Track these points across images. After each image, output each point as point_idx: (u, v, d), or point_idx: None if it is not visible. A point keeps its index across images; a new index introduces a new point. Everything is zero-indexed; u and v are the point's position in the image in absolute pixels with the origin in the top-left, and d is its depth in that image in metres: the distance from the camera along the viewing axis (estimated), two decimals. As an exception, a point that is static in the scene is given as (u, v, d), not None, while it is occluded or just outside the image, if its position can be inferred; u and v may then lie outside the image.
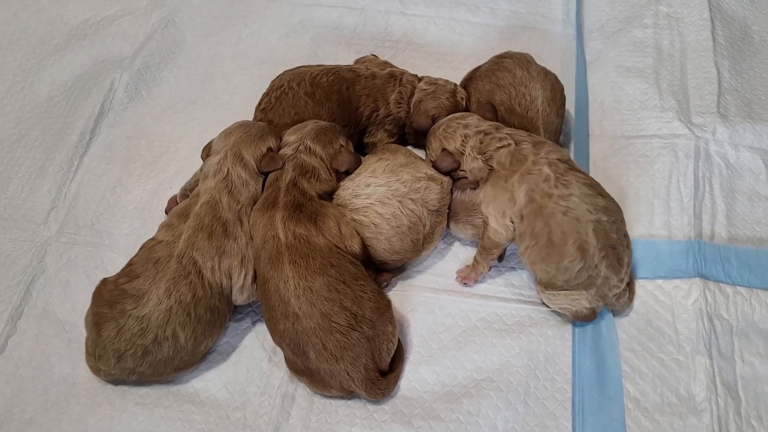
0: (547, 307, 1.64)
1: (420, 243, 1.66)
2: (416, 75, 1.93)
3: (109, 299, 1.50)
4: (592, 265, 1.52)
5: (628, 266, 1.59)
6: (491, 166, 1.62)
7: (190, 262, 1.51)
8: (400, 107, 1.87)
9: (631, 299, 1.64)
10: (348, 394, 1.53)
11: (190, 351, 1.51)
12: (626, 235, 1.59)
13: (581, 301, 1.57)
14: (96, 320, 1.50)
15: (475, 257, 1.69)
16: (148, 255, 1.53)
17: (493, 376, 1.57)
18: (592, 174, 1.83)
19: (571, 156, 1.89)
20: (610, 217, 1.54)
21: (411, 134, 1.93)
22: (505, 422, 1.51)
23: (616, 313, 1.65)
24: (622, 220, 1.59)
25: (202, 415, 1.53)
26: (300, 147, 1.65)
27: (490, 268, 1.70)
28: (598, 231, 1.51)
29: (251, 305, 1.67)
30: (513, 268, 1.73)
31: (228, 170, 1.60)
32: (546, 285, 1.59)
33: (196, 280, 1.50)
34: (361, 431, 1.50)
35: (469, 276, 1.70)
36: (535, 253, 1.55)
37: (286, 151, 1.65)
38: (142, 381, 1.54)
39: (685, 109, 1.98)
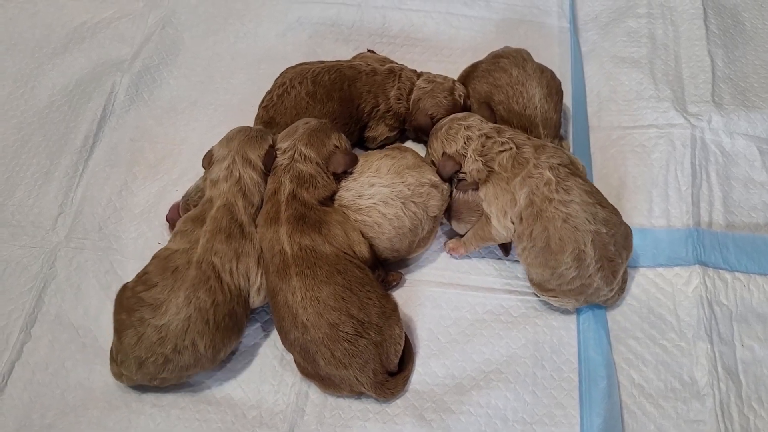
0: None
1: (415, 244, 1.69)
2: (415, 71, 1.95)
3: (127, 307, 1.51)
4: (586, 275, 1.55)
5: (620, 277, 1.61)
6: (491, 168, 1.64)
7: (209, 267, 1.52)
8: (399, 103, 1.90)
9: (619, 295, 1.66)
10: (358, 395, 1.56)
11: (209, 358, 1.53)
12: (624, 248, 1.60)
13: (568, 306, 1.63)
14: (117, 327, 1.52)
15: (469, 238, 1.72)
16: (165, 264, 1.53)
17: (501, 367, 1.61)
18: (591, 164, 1.87)
19: (571, 148, 1.92)
20: (610, 229, 1.55)
21: (411, 131, 1.95)
22: (514, 412, 1.55)
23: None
24: (621, 234, 1.59)
25: (219, 414, 1.56)
26: (295, 155, 1.63)
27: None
28: (596, 242, 1.53)
29: (261, 306, 1.70)
30: (517, 261, 1.76)
31: (239, 173, 1.61)
32: (537, 285, 1.63)
33: (215, 285, 1.51)
34: (375, 426, 1.54)
35: (458, 249, 1.75)
36: (532, 255, 1.58)
37: (281, 160, 1.64)
38: (164, 385, 1.56)
39: (680, 98, 2.01)
